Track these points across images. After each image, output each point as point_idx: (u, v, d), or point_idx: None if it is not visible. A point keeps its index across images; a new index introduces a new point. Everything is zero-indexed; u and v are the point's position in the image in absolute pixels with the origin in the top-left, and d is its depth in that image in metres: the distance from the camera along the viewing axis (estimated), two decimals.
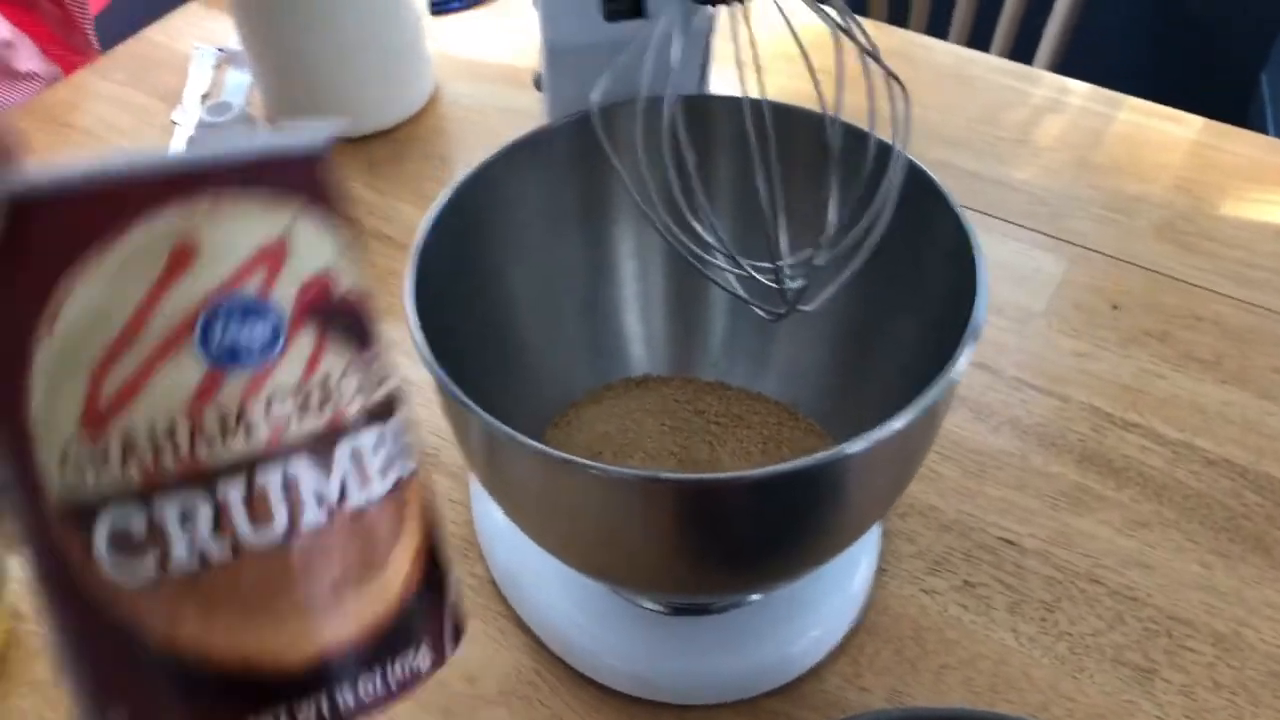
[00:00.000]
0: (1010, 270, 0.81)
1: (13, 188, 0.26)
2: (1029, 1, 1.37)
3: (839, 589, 0.61)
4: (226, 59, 1.03)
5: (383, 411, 0.30)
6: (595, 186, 0.60)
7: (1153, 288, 0.80)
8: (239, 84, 0.99)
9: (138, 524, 0.27)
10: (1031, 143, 0.92)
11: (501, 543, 0.63)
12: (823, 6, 0.46)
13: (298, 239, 0.28)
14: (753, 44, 0.48)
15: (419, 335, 0.48)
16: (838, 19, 0.45)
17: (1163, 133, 0.92)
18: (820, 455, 0.43)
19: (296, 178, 0.29)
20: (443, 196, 0.54)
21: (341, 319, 0.29)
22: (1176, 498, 0.67)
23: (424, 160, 0.92)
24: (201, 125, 0.94)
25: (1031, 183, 0.88)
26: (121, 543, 0.27)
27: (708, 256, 0.49)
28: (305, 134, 0.30)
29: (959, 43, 1.39)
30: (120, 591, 0.27)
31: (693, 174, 0.48)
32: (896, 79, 0.46)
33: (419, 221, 0.86)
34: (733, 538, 0.47)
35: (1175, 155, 0.90)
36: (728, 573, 0.50)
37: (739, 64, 0.50)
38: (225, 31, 1.07)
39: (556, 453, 0.43)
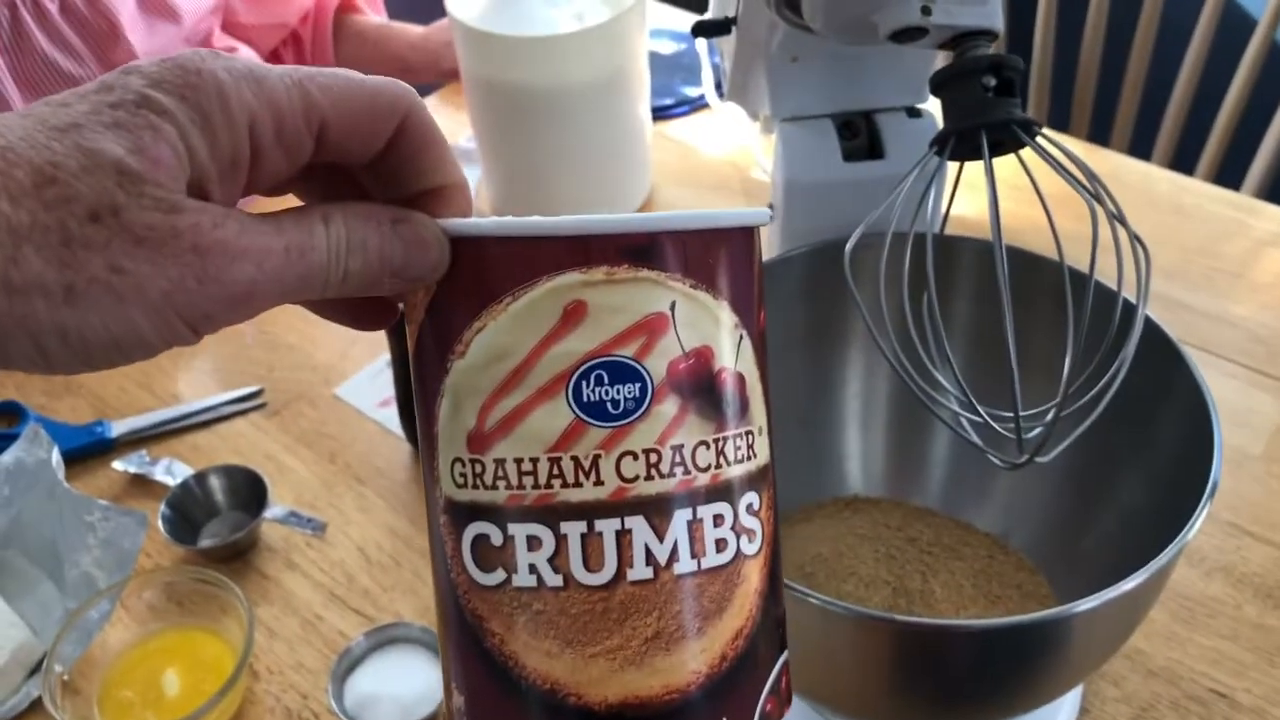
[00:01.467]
0: (1226, 409, 0.79)
1: (459, 229, 0.30)
2: (1239, 123, 1.35)
3: None
4: (459, 155, 1.10)
5: (729, 489, 0.32)
6: (825, 309, 0.63)
7: None
8: (470, 179, 1.06)
9: (495, 535, 0.31)
10: (1250, 278, 0.90)
11: None
12: (1072, 173, 0.48)
13: (681, 314, 0.31)
14: (994, 198, 0.49)
15: None
16: (1088, 185, 0.47)
17: None
18: (1049, 611, 0.44)
19: (696, 256, 0.31)
20: None
21: (709, 394, 0.31)
22: None
23: None
24: None
25: (1250, 319, 0.87)
26: (481, 546, 0.31)
27: (940, 398, 0.51)
28: (727, 217, 0.32)
29: (1163, 163, 1.37)
30: (474, 588, 0.31)
31: (933, 314, 0.50)
32: (1141, 244, 0.47)
33: None
34: (948, 681, 0.49)
35: None
36: (936, 713, 0.51)
37: (987, 209, 0.52)
38: (458, 128, 1.14)
39: (806, 591, 0.45)
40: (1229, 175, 1.28)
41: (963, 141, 0.51)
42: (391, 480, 0.80)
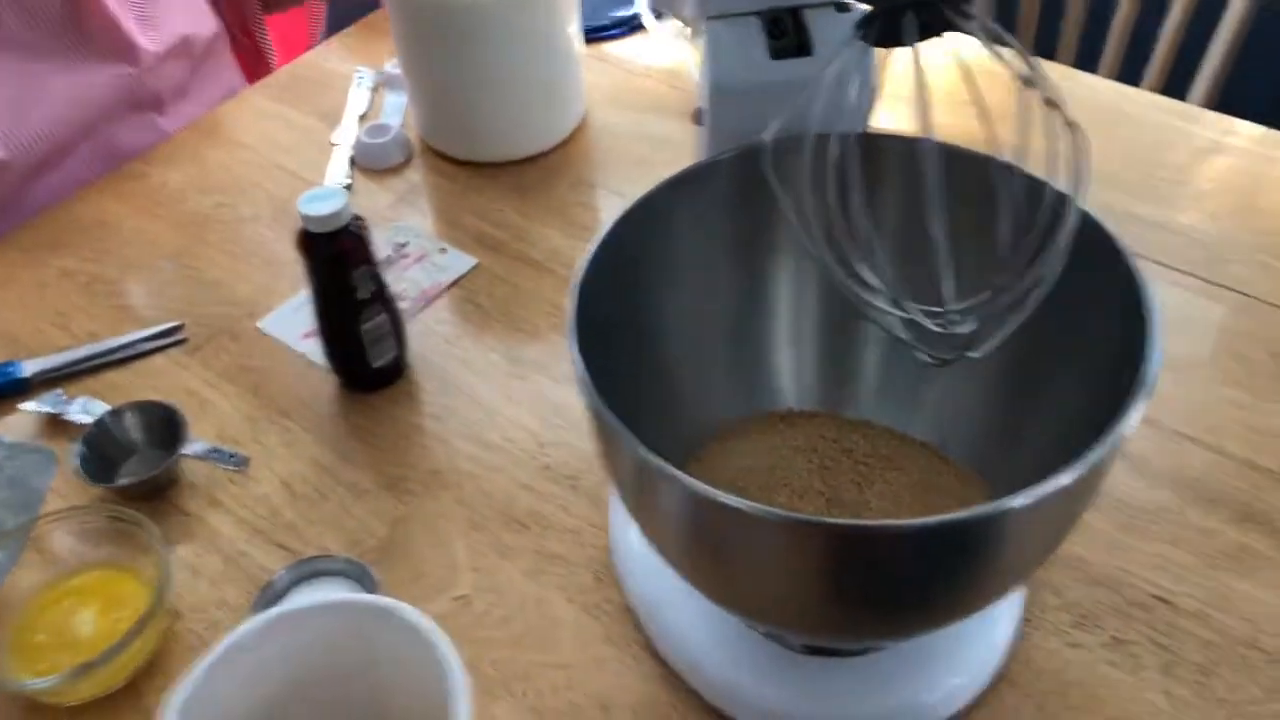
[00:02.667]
0: (1169, 318, 0.77)
1: None
2: (1185, 34, 1.33)
3: (981, 638, 0.60)
4: (384, 82, 1.06)
5: None
6: (754, 221, 0.60)
7: None
8: (396, 106, 1.03)
9: None
10: (1192, 185, 0.89)
11: (639, 570, 0.63)
12: (1001, 51, 0.46)
13: None
14: (923, 85, 0.47)
15: (580, 364, 0.48)
16: (1023, 66, 0.45)
17: None
18: (983, 508, 0.42)
19: None
20: (604, 228, 0.54)
21: None
22: None
23: (571, 187, 0.94)
24: (359, 145, 0.97)
25: (1192, 226, 0.85)
26: None
27: (869, 298, 0.49)
28: None
29: (1110, 76, 1.35)
30: None
31: (861, 213, 0.48)
32: (1077, 128, 0.45)
33: (564, 247, 0.88)
34: (882, 586, 0.47)
35: None
36: (872, 619, 0.50)
37: (913, 103, 0.49)
38: (385, 55, 1.10)
39: (708, 488, 0.43)
40: (1175, 88, 1.26)
41: (889, 23, 0.48)
42: (316, 413, 0.77)
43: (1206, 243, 0.84)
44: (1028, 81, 0.45)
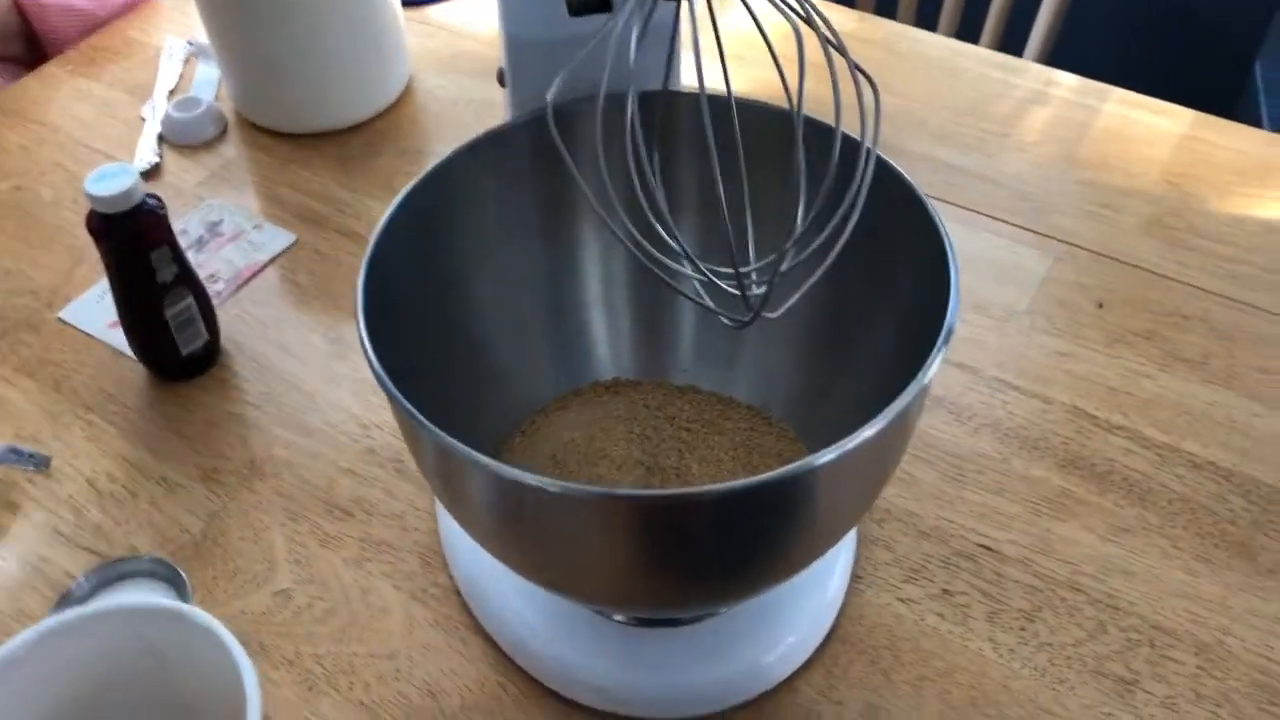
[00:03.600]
0: (993, 267, 0.79)
1: None
2: None
3: (813, 596, 0.59)
4: (196, 53, 1.01)
5: None
6: (557, 185, 0.58)
7: (1139, 285, 0.78)
8: (208, 79, 0.97)
9: None
10: (1017, 136, 0.90)
11: (465, 552, 0.61)
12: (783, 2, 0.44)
13: None
14: (717, 38, 0.45)
15: (369, 346, 0.46)
16: (797, 9, 0.43)
17: (1151, 126, 0.90)
18: (786, 469, 0.41)
19: None
20: (396, 200, 0.52)
21: None
22: (1161, 502, 0.65)
23: (397, 155, 0.90)
24: (168, 120, 0.92)
25: (1016, 177, 0.86)
26: None
27: (671, 262, 0.47)
28: None
29: (948, 34, 1.37)
30: None
31: (654, 176, 0.46)
32: (863, 73, 0.44)
33: None
34: (698, 554, 0.46)
35: (1164, 149, 0.88)
36: (695, 588, 0.49)
37: (710, 58, 0.48)
38: (197, 25, 1.05)
39: (507, 469, 0.41)
40: (1012, 45, 1.28)
41: None
42: (124, 405, 0.72)
43: (1030, 193, 0.85)
44: (806, 22, 0.44)
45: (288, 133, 0.92)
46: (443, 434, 0.42)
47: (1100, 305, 0.76)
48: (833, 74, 0.43)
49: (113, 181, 0.65)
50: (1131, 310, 0.76)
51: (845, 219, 0.45)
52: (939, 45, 1.00)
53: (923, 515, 0.65)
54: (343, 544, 0.65)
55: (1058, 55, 1.30)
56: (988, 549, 0.64)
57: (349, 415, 0.71)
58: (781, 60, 0.47)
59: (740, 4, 0.47)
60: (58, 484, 0.68)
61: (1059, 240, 0.81)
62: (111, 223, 0.66)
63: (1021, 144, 0.89)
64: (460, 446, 0.42)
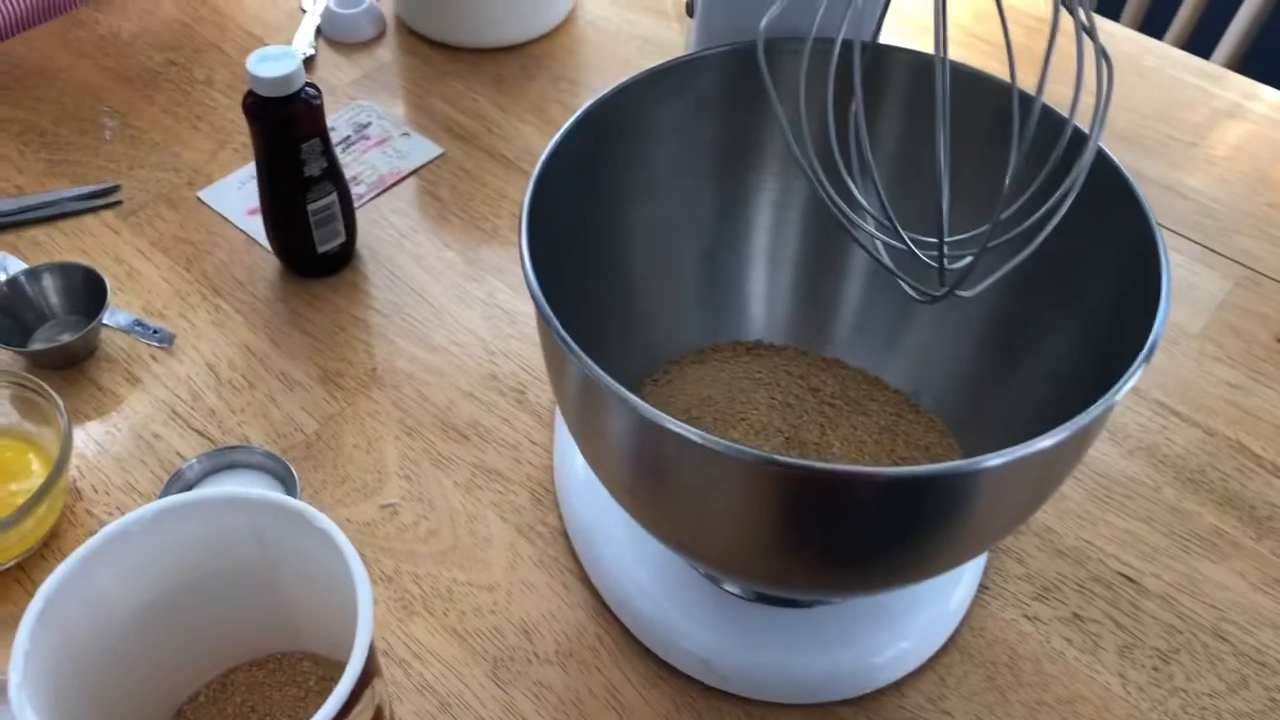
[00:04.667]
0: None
1: None
2: None
3: (935, 602, 0.56)
4: None
5: None
6: (739, 126, 0.55)
7: None
8: None
9: None
10: (1206, 149, 0.84)
11: (580, 495, 0.59)
12: None
13: None
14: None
15: (529, 265, 0.43)
16: None
17: None
18: (954, 464, 0.38)
19: None
20: (573, 117, 0.49)
21: None
22: None
23: (552, 82, 0.88)
24: (328, 15, 0.90)
25: (1202, 192, 0.80)
26: None
27: (858, 218, 0.44)
28: None
29: (1133, 26, 1.29)
30: None
31: (860, 127, 0.43)
32: (1108, 59, 0.40)
33: (538, 145, 0.82)
34: (840, 537, 0.43)
35: None
36: (826, 573, 0.46)
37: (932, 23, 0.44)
38: None
39: (656, 412, 0.38)
40: (1198, 44, 1.21)
41: None
42: (252, 295, 0.71)
43: (1215, 211, 0.79)
44: (1065, 3, 0.40)
45: (446, 44, 0.90)
46: (593, 365, 0.40)
47: None
48: (1079, 67, 0.39)
49: (276, 64, 0.63)
50: None
51: (1060, 201, 0.42)
52: (1126, 39, 0.94)
53: (1062, 533, 0.61)
54: (455, 466, 0.63)
55: (1250, 62, 1.22)
56: (1128, 579, 0.59)
57: (476, 338, 0.69)
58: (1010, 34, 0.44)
59: None
60: (178, 363, 0.67)
61: (1241, 265, 0.76)
62: (269, 106, 0.64)
63: (1211, 157, 0.83)
64: (610, 381, 0.39)
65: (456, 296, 0.72)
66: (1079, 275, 0.50)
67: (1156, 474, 0.64)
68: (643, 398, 0.56)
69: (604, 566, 0.57)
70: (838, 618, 0.54)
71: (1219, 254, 0.76)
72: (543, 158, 0.48)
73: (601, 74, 0.89)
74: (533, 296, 0.43)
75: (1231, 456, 0.65)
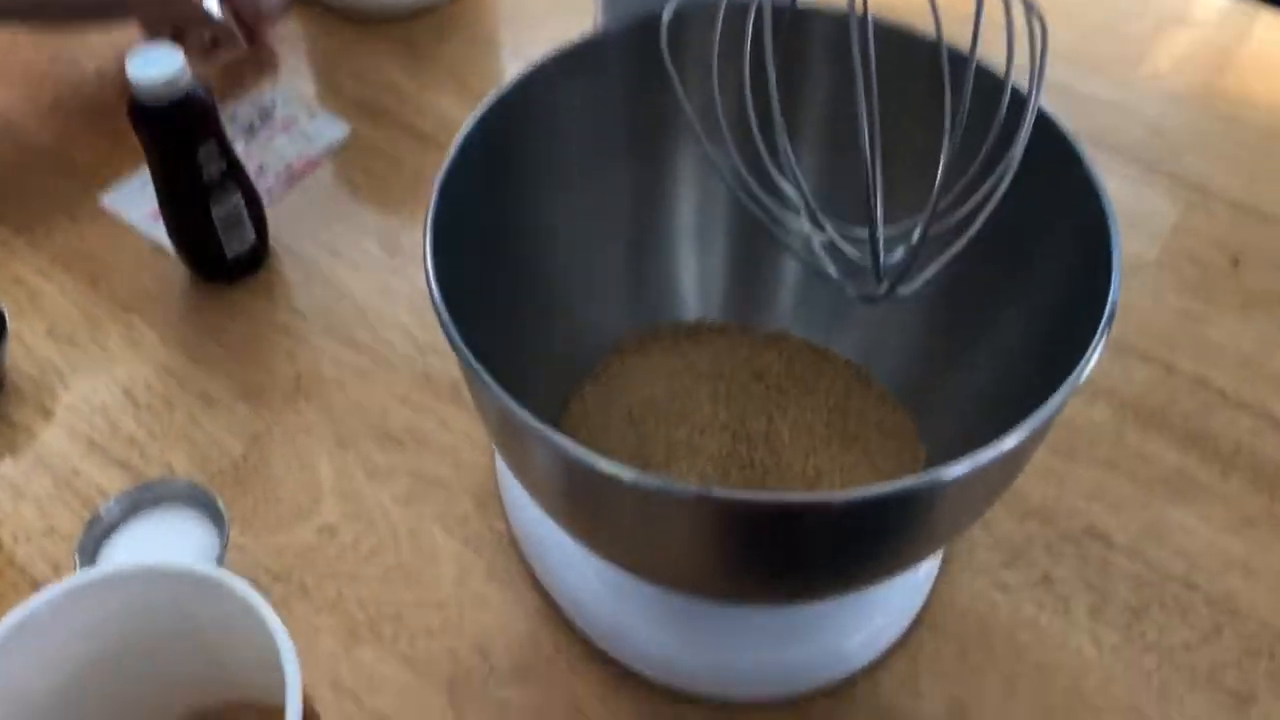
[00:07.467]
0: (1118, 210, 0.71)
1: None
2: None
3: (901, 579, 0.54)
4: None
5: None
6: (656, 105, 0.51)
7: None
8: None
9: None
10: (1151, 62, 0.81)
11: (525, 501, 0.56)
12: None
13: None
14: None
15: (435, 288, 0.40)
16: None
17: None
18: (907, 483, 0.35)
19: None
20: (471, 117, 0.45)
21: None
22: None
23: (468, 45, 0.83)
24: None
25: (1148, 110, 0.77)
26: None
27: (779, 209, 0.41)
28: None
29: None
30: None
31: (776, 104, 0.39)
32: (1039, 17, 0.37)
33: (454, 115, 0.78)
34: (792, 559, 0.40)
35: None
36: (781, 589, 0.44)
37: None
38: None
39: (584, 453, 0.35)
40: None
41: None
42: (164, 308, 0.67)
43: (1164, 128, 0.76)
44: None
45: (352, 15, 0.85)
46: (512, 403, 0.37)
47: (1236, 263, 0.69)
48: (1008, 21, 0.35)
49: (158, 66, 0.58)
50: (1272, 271, 0.68)
51: (998, 182, 0.39)
52: None
53: (1028, 493, 0.59)
54: (392, 477, 0.60)
55: None
56: (1096, 534, 0.58)
57: (404, 333, 0.66)
58: None
59: None
60: (93, 390, 0.64)
61: (1193, 185, 0.73)
62: (155, 113, 0.59)
63: (1155, 71, 0.80)
64: (533, 423, 0.36)
65: (379, 289, 0.68)
66: (1029, 238, 0.47)
67: (1117, 417, 0.62)
68: (582, 398, 0.54)
69: (556, 574, 0.55)
70: (802, 607, 0.52)
71: (1169, 174, 0.74)
72: (445, 164, 0.44)
73: (522, 34, 0.85)
74: (442, 327, 0.40)
75: (1193, 393, 0.63)
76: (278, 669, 0.39)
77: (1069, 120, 0.44)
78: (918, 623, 0.55)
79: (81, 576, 0.41)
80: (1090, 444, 0.61)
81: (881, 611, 0.53)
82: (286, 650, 0.39)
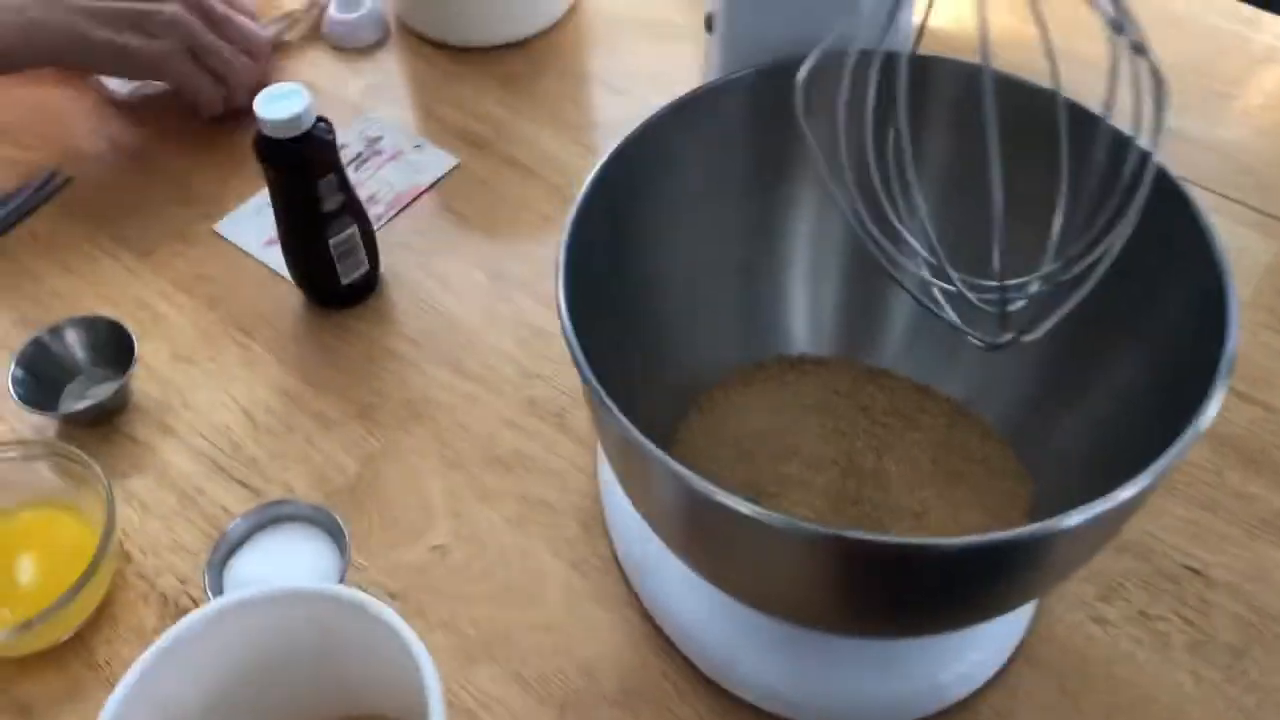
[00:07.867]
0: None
1: None
2: None
3: (1002, 615, 0.55)
4: None
5: None
6: (772, 149, 0.53)
7: None
8: None
9: None
10: (1243, 99, 0.81)
11: (630, 527, 0.58)
12: None
13: None
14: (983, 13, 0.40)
15: (572, 335, 0.42)
16: (1109, 9, 0.37)
17: None
18: (1024, 531, 0.36)
19: None
20: (593, 170, 0.47)
21: None
22: None
23: (561, 78, 0.85)
24: (328, 21, 0.88)
25: (1241, 146, 0.78)
26: None
27: (904, 259, 0.42)
28: None
29: None
30: None
31: (906, 154, 0.41)
32: (1161, 78, 0.38)
33: (552, 148, 0.80)
34: (906, 598, 0.42)
35: None
36: (893, 623, 0.45)
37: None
38: None
39: (709, 487, 0.37)
40: None
41: None
42: (280, 331, 0.70)
43: (1256, 166, 0.76)
44: (1115, 26, 0.37)
45: (449, 44, 0.87)
46: (640, 436, 0.38)
47: None
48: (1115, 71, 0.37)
49: (284, 103, 0.61)
50: None
51: (1118, 235, 0.40)
52: None
53: (1124, 529, 0.60)
54: (501, 500, 0.62)
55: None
56: (1194, 571, 0.58)
57: (509, 360, 0.68)
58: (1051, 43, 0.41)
59: None
60: (213, 409, 0.67)
61: None
62: (280, 148, 0.62)
63: (1247, 108, 0.80)
64: (659, 454, 0.38)
65: (486, 317, 0.70)
66: (1143, 286, 0.48)
67: (1218, 457, 0.62)
68: (690, 429, 0.55)
69: (662, 601, 0.56)
70: (904, 641, 0.54)
71: (1262, 213, 0.74)
72: (572, 213, 0.46)
73: (613, 66, 0.86)
74: (577, 364, 0.41)
75: None
76: (411, 687, 0.41)
77: (1164, 158, 0.45)
78: (1015, 656, 0.56)
79: (232, 598, 0.43)
80: (1188, 484, 0.62)
81: (980, 645, 0.54)
82: (429, 672, 0.41)
